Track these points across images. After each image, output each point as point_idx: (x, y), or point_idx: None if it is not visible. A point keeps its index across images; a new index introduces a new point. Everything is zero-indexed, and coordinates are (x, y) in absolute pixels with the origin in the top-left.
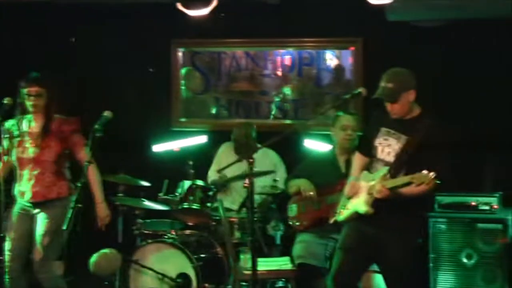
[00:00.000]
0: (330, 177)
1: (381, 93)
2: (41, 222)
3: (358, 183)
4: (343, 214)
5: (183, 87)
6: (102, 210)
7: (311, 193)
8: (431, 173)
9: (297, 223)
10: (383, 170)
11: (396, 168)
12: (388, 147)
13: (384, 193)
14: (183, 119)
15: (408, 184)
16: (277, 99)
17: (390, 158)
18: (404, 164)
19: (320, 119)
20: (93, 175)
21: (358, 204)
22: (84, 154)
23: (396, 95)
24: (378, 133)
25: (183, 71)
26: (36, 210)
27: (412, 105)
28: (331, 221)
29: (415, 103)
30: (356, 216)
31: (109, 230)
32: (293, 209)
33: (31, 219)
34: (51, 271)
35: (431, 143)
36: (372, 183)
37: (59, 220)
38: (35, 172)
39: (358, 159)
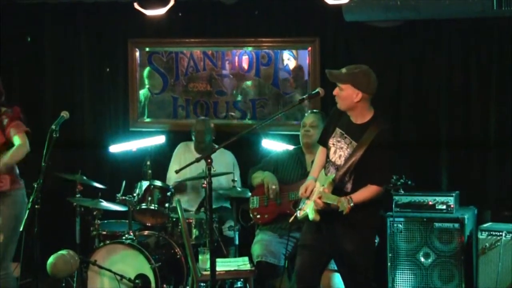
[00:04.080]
0: (295, 174)
1: (332, 72)
2: None
3: (314, 184)
4: (301, 213)
5: (146, 86)
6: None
7: (274, 187)
8: (352, 204)
9: (258, 216)
10: (330, 177)
11: (342, 176)
12: (340, 149)
13: (319, 205)
14: (141, 119)
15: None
16: (239, 98)
17: (341, 162)
18: (351, 170)
19: (278, 119)
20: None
21: (309, 208)
22: (18, 140)
23: (341, 80)
24: (333, 132)
25: (146, 70)
26: None
27: (363, 108)
28: (291, 220)
29: (368, 108)
30: None
31: (66, 231)
32: (255, 202)
33: None
34: (8, 269)
35: (382, 146)
36: (321, 189)
37: (9, 215)
38: None
39: (320, 154)
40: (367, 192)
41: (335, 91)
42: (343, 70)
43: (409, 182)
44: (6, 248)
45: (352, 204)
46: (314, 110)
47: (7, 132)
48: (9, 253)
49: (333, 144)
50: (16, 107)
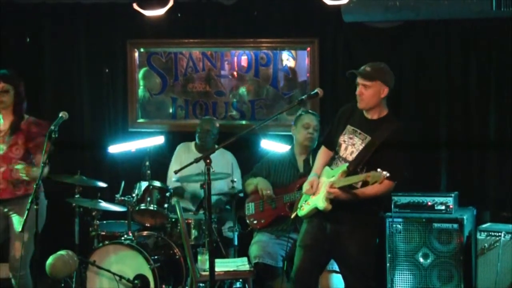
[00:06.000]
0: (288, 176)
1: (358, 70)
2: (17, 219)
3: (318, 180)
4: (304, 209)
5: (141, 88)
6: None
7: (268, 191)
8: (385, 172)
9: (255, 222)
10: (343, 167)
11: (355, 166)
12: (352, 146)
13: (334, 192)
14: (140, 120)
15: (363, 182)
16: (234, 100)
17: (352, 158)
18: (364, 163)
19: (277, 119)
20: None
21: (318, 200)
22: (39, 158)
23: (370, 77)
24: (344, 129)
25: (141, 71)
26: (7, 208)
27: (382, 104)
28: (292, 216)
29: (385, 104)
30: (316, 212)
31: (65, 231)
32: (250, 208)
33: (3, 217)
34: (27, 269)
35: (396, 142)
36: (332, 179)
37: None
38: (2, 169)
39: (322, 154)
40: (379, 186)
41: (359, 91)
42: (367, 68)
43: (405, 173)
44: (28, 248)
45: (385, 174)
46: (313, 112)
47: (34, 142)
48: (30, 252)
49: (344, 141)
50: (46, 122)
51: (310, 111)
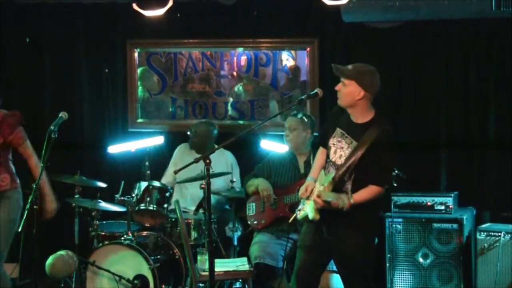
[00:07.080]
0: (289, 177)
1: (338, 67)
2: None
3: (314, 184)
4: (300, 214)
5: (140, 87)
6: (51, 203)
7: (269, 192)
8: (352, 201)
9: (255, 222)
10: (329, 176)
11: (341, 175)
12: (340, 149)
13: (319, 203)
14: (139, 120)
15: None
16: (231, 99)
17: (341, 162)
18: (351, 170)
19: (277, 119)
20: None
21: (309, 207)
22: (24, 149)
23: (346, 75)
24: (333, 132)
25: (139, 71)
26: None
27: (363, 106)
28: (291, 220)
29: (369, 107)
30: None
31: (65, 231)
32: (251, 208)
33: None
34: (1, 270)
35: (383, 146)
36: (321, 188)
37: (4, 219)
38: None
39: (320, 155)
40: (367, 192)
41: (338, 86)
42: (349, 66)
43: (401, 175)
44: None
45: (352, 200)
46: (294, 112)
47: (6, 134)
48: (2, 255)
49: (333, 144)
50: (17, 113)
51: (294, 112)
